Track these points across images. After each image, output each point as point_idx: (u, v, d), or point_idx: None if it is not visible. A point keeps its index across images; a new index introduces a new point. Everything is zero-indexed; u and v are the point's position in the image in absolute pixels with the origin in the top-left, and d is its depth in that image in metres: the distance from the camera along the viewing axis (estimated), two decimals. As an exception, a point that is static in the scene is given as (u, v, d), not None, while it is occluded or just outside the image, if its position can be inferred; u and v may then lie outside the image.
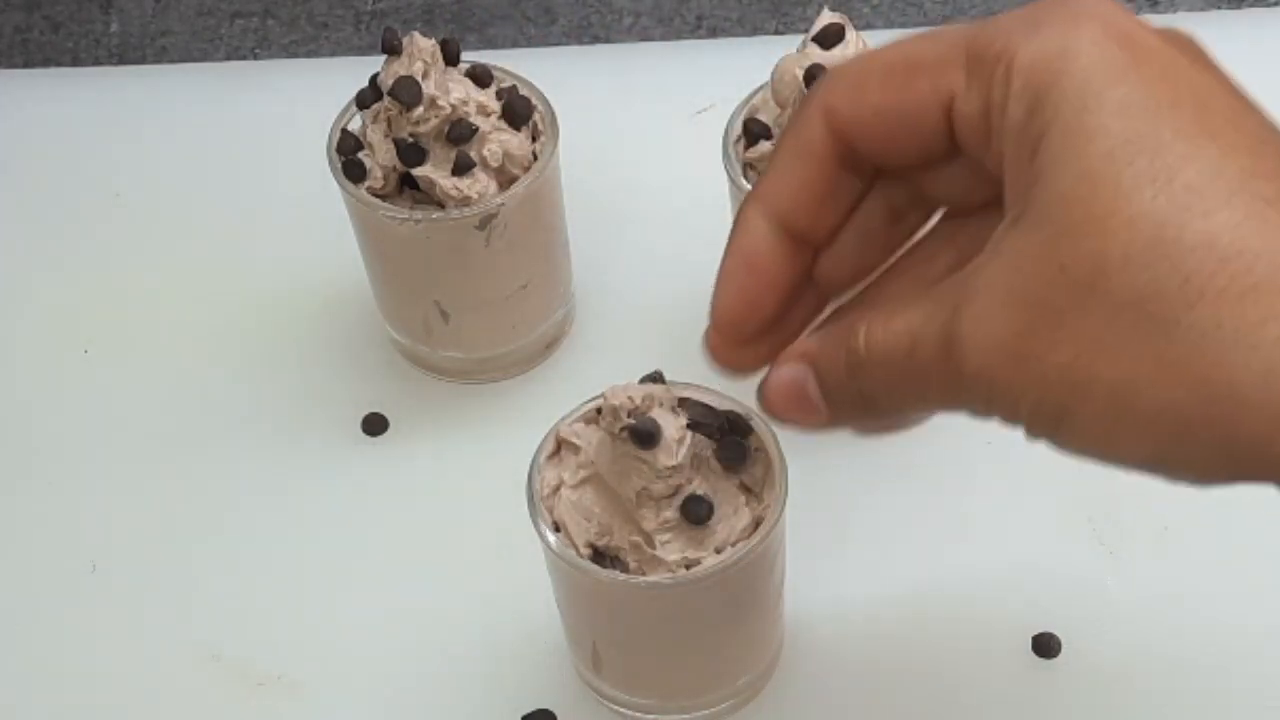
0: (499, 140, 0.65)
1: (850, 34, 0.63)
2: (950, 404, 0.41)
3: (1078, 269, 0.37)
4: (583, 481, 0.55)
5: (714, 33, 0.99)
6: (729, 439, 0.55)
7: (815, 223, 0.44)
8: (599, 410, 0.54)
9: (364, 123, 0.67)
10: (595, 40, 1.00)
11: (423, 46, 0.65)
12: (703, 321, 0.73)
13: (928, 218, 0.46)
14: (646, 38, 1.00)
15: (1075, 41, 0.38)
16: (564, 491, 0.55)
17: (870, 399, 0.43)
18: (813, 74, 0.61)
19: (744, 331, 0.45)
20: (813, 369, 0.44)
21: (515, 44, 0.99)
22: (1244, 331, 0.35)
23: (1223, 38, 0.89)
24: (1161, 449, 0.38)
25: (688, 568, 0.54)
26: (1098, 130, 0.37)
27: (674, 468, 0.53)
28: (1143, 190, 0.36)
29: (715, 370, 0.46)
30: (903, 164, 0.43)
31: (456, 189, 0.65)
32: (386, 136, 0.65)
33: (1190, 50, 0.39)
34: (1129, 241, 0.36)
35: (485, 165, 0.65)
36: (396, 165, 0.65)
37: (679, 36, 0.99)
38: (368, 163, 0.66)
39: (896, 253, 0.46)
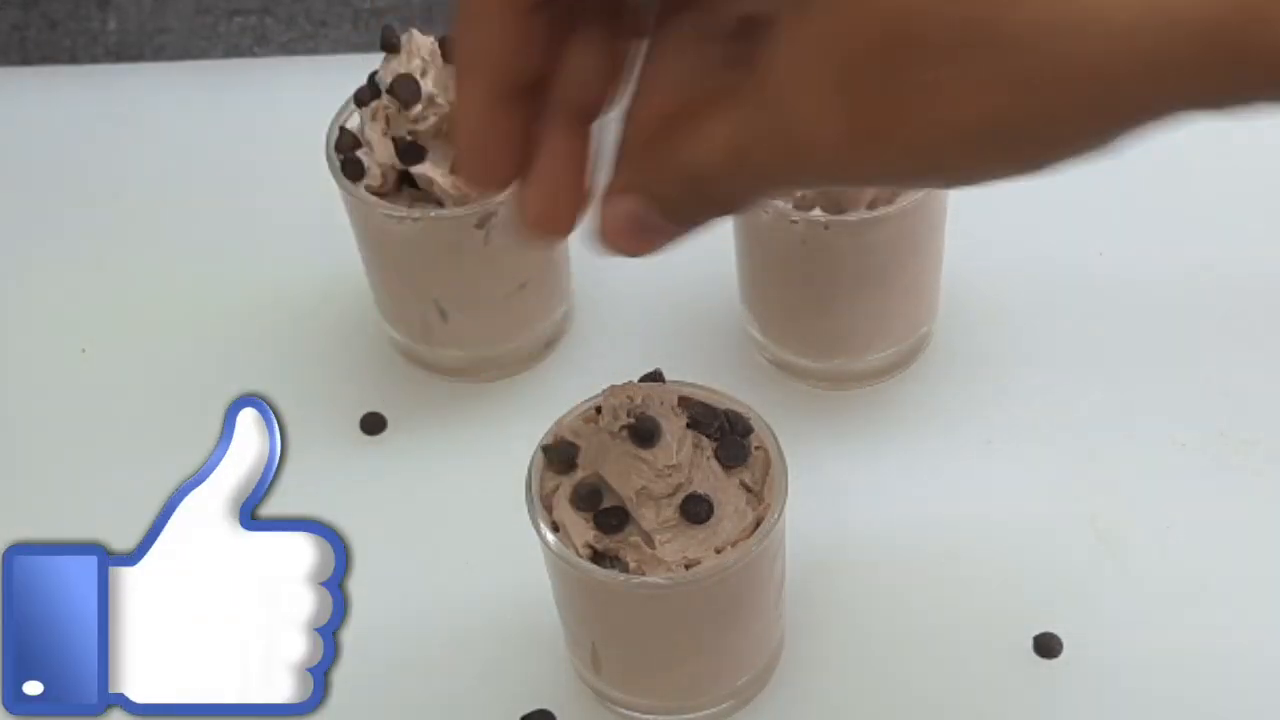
0: (498, 138, 0.65)
1: (851, 32, 0.63)
2: (806, 187, 0.41)
3: (891, 29, 0.36)
4: (582, 480, 0.55)
5: (713, 30, 0.98)
6: (729, 438, 0.55)
7: (530, 73, 0.44)
8: (599, 409, 0.54)
9: (362, 120, 0.66)
10: (594, 38, 1.00)
11: (421, 44, 0.64)
12: (702, 321, 0.73)
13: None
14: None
15: None
16: (563, 491, 0.55)
17: (718, 202, 0.42)
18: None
19: (497, 181, 0.45)
20: (641, 197, 0.43)
21: (514, 42, 0.99)
22: (1073, 9, 0.34)
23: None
24: (1043, 149, 0.37)
25: (687, 568, 0.54)
26: None
27: (674, 467, 0.53)
28: None
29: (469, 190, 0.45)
30: None
31: (455, 187, 0.64)
32: (385, 134, 0.65)
33: None
34: None
35: (484, 163, 0.65)
36: (395, 163, 0.65)
37: (678, 34, 0.98)
38: (366, 161, 0.65)
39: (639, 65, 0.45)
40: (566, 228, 0.46)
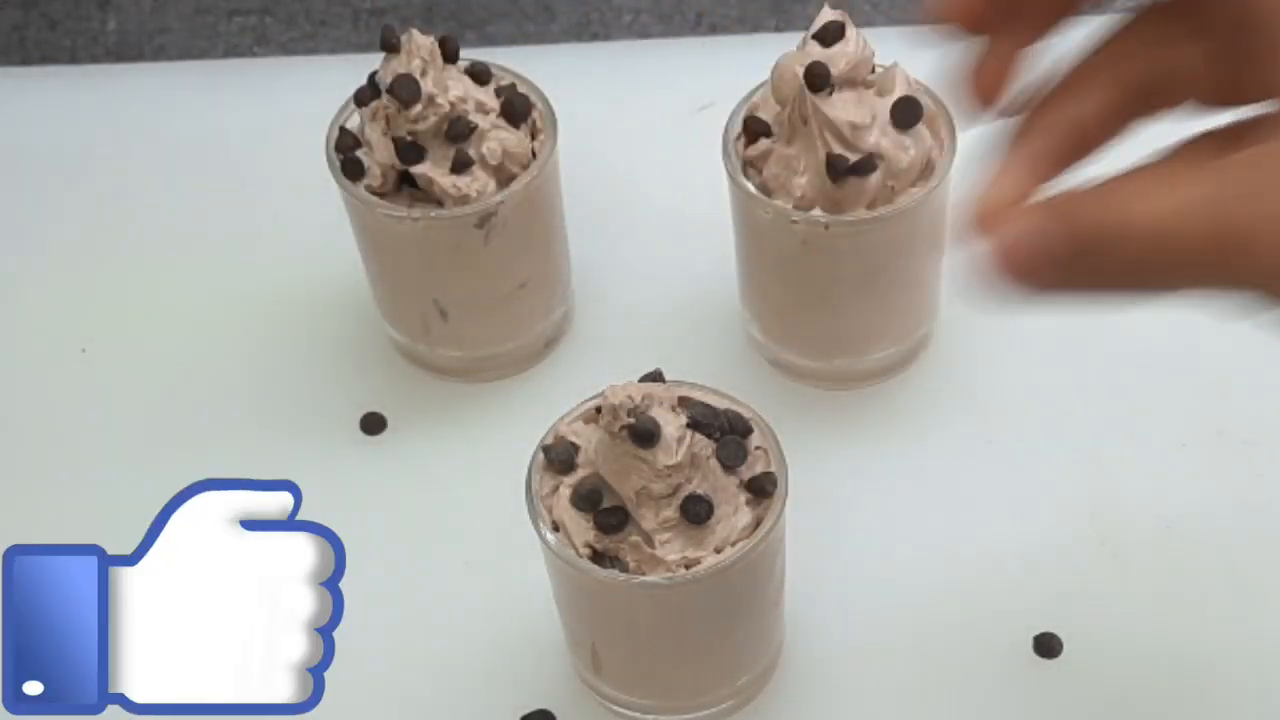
0: (498, 138, 0.65)
1: (850, 31, 0.63)
2: (1211, 287, 0.39)
3: None
4: (582, 481, 0.55)
5: (714, 30, 0.99)
6: (729, 438, 0.55)
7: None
8: (599, 409, 0.54)
9: (362, 121, 0.66)
10: (594, 38, 1.00)
11: (421, 44, 0.64)
12: (702, 321, 0.73)
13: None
14: (646, 35, 1.00)
15: None
16: (563, 491, 0.55)
17: (1112, 274, 0.40)
18: (813, 72, 0.61)
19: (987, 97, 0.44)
20: (1055, 231, 0.40)
21: (514, 41, 0.99)
22: None
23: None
24: None
25: (687, 567, 0.54)
26: None
27: (673, 467, 0.53)
28: None
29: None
30: None
31: (455, 187, 0.64)
32: (385, 134, 0.65)
33: None
34: None
35: (484, 163, 0.65)
36: (395, 163, 0.65)
37: (679, 34, 0.99)
38: (366, 161, 0.65)
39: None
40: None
